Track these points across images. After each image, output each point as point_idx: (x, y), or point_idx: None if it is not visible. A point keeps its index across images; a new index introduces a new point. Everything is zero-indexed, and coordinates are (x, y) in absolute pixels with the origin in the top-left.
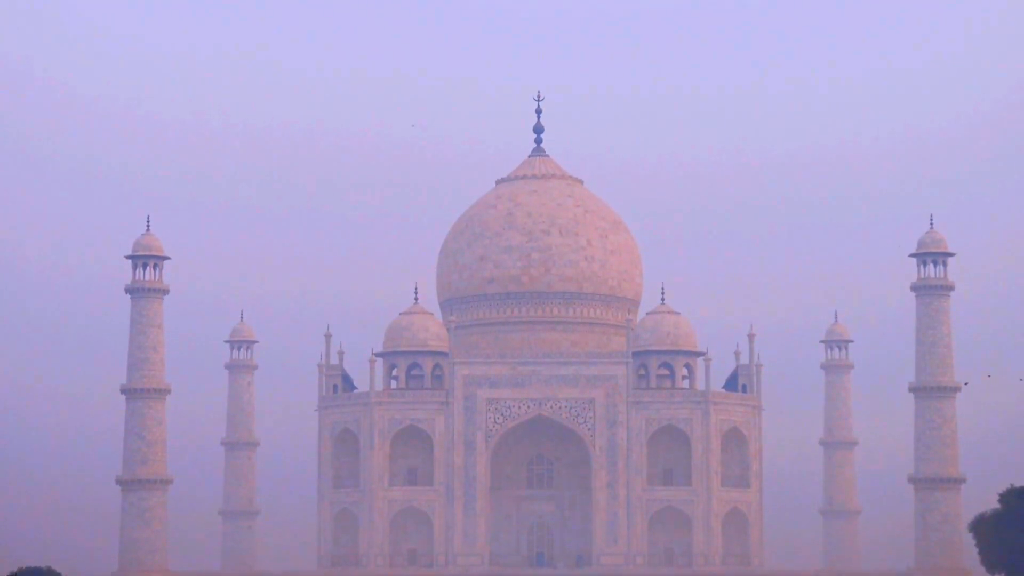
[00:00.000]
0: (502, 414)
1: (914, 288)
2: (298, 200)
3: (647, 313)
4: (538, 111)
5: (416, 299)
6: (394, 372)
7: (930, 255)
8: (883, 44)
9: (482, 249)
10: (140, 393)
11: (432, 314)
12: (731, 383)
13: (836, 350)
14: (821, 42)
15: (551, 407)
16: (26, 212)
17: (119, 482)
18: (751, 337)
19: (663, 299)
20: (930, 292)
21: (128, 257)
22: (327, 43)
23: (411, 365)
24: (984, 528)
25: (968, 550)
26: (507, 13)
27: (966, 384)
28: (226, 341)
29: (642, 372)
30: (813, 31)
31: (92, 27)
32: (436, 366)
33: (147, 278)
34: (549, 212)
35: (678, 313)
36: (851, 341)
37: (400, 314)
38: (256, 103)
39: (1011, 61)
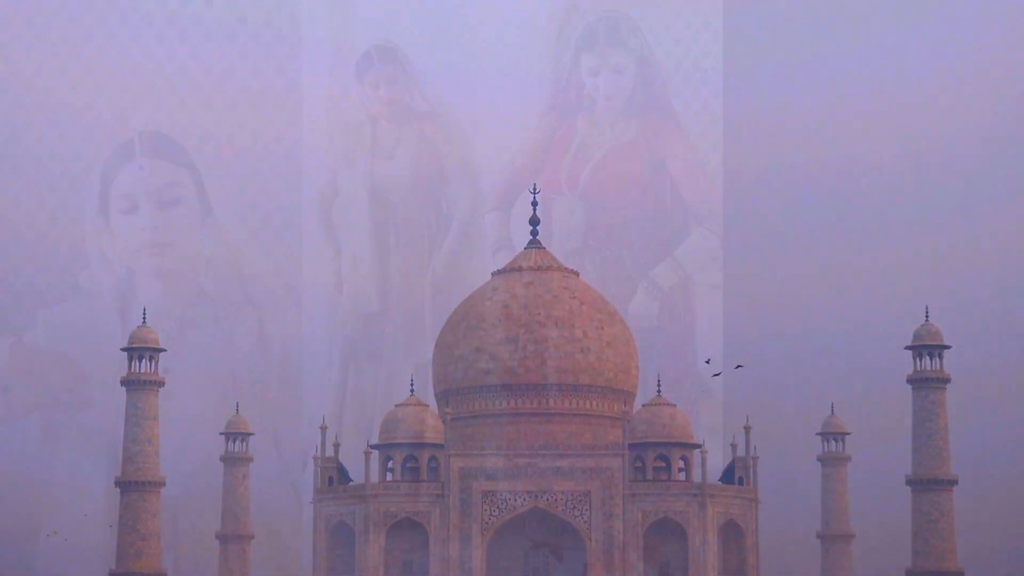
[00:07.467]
0: (498, 506)
1: (910, 380)
2: (292, 292)
3: (643, 405)
4: (534, 203)
5: (412, 391)
6: (389, 464)
7: (926, 348)
8: (877, 132)
9: (478, 341)
10: (134, 486)
11: (428, 406)
12: (727, 475)
13: (833, 442)
14: (818, 128)
15: (547, 499)
16: (21, 302)
17: None
18: (747, 429)
19: (659, 391)
20: (926, 385)
21: (124, 349)
22: (324, 145)
23: (407, 457)
24: None
25: None
26: (502, 105)
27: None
28: (221, 433)
29: (638, 464)
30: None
31: (91, 111)
32: (432, 458)
33: (143, 370)
34: (545, 304)
35: (674, 405)
36: (848, 433)
37: (396, 406)
38: (252, 191)
39: (1004, 149)
